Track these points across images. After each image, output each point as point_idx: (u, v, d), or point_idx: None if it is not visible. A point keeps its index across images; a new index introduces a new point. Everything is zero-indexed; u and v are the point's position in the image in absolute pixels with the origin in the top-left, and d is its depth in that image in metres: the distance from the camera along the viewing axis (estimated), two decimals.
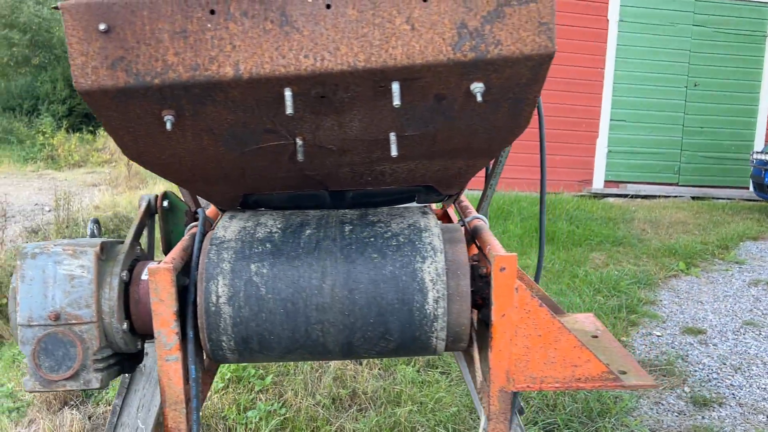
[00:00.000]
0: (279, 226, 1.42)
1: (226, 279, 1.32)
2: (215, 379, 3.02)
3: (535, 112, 2.21)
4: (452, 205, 1.64)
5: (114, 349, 1.39)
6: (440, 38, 1.02)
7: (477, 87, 1.07)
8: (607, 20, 8.89)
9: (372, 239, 1.37)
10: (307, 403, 2.88)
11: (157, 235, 1.71)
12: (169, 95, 1.04)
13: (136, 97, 1.03)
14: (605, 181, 9.18)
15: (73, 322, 1.32)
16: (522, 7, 1.01)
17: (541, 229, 2.04)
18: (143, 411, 2.19)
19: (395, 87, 1.05)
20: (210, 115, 1.10)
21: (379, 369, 3.27)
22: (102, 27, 0.98)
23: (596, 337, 1.64)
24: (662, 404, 3.06)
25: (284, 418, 2.73)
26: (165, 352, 1.33)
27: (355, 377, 3.17)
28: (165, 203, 1.63)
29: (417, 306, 1.30)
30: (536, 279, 2.06)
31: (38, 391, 1.36)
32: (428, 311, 1.31)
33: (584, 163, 9.07)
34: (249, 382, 3.04)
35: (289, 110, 1.04)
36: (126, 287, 1.39)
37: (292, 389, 2.99)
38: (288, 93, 1.04)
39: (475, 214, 1.62)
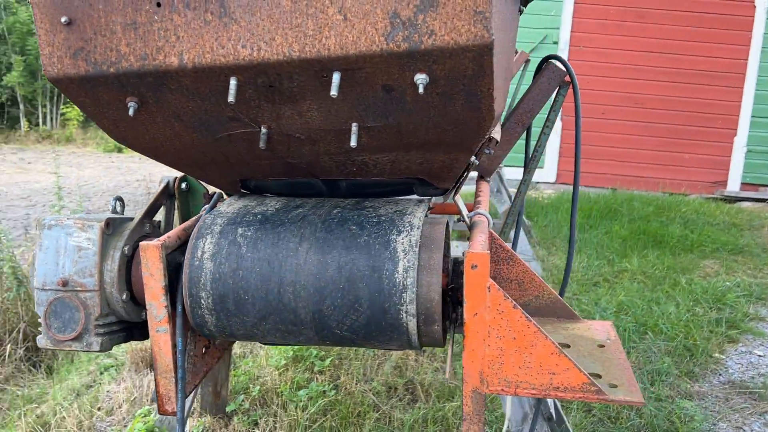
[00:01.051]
0: (278, 206, 1.47)
1: (214, 238, 1.39)
2: (277, 356, 3.16)
3: (572, 102, 2.10)
4: (455, 200, 1.60)
5: (117, 317, 1.51)
6: (373, 28, 1.01)
7: (420, 78, 1.05)
8: (754, 6, 8.11)
9: (355, 217, 1.39)
10: (360, 389, 2.93)
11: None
12: (126, 83, 1.11)
13: (98, 84, 1.12)
14: (742, 184, 8.42)
15: (79, 289, 1.45)
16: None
17: (571, 236, 1.95)
18: None
19: (335, 77, 1.05)
20: (172, 103, 1.16)
21: (440, 362, 3.26)
22: (64, 20, 1.07)
23: (603, 346, 1.54)
24: (744, 429, 2.80)
25: (332, 401, 2.80)
26: (155, 324, 1.42)
27: (415, 368, 3.18)
28: (183, 185, 1.74)
29: (387, 274, 1.30)
30: (562, 289, 1.96)
31: (49, 348, 1.51)
32: (397, 280, 1.29)
33: (718, 163, 8.37)
34: (310, 362, 3.15)
35: (230, 98, 1.07)
36: (129, 261, 1.50)
37: (349, 373, 3.06)
38: (233, 82, 1.08)
39: (479, 209, 1.57)
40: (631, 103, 7.96)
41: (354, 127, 1.20)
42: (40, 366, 4.16)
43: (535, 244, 5.26)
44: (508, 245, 2.02)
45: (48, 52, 1.09)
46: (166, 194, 1.71)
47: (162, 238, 1.41)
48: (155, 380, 1.47)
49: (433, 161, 1.38)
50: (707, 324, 3.73)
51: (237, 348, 3.41)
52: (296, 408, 2.76)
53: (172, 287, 1.43)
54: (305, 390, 2.85)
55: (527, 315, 1.29)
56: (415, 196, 1.60)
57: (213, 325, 1.40)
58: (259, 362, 3.20)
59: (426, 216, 1.48)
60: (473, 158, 1.46)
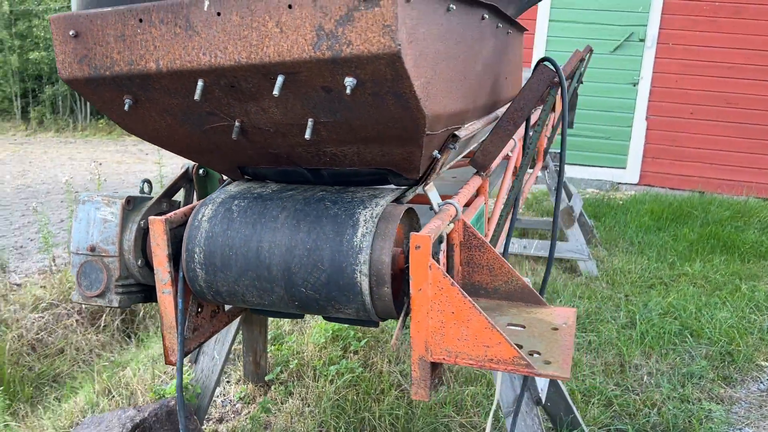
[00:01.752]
0: (274, 188, 1.70)
1: (214, 206, 1.63)
2: (317, 335, 3.41)
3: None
4: (425, 190, 1.75)
5: (135, 280, 1.79)
6: (303, 39, 1.20)
7: (348, 81, 1.23)
8: None
9: (333, 197, 1.60)
10: (389, 369, 3.13)
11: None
12: (120, 83, 1.37)
13: (99, 84, 1.38)
14: None
15: (103, 254, 1.74)
16: (368, 12, 1.15)
17: (553, 232, 2.05)
18: (218, 344, 2.63)
19: (279, 79, 1.26)
20: (159, 100, 1.41)
21: None
22: (72, 32, 1.34)
23: (556, 329, 1.65)
24: None
25: (359, 377, 3.01)
26: (161, 286, 1.69)
27: None
28: (201, 171, 2.00)
29: (347, 238, 1.48)
30: (541, 290, 2.07)
31: (80, 303, 1.81)
32: (355, 243, 1.48)
33: None
34: (348, 342, 3.38)
35: (196, 96, 1.31)
36: (144, 233, 1.77)
37: (382, 354, 3.26)
38: (200, 83, 1.31)
39: (451, 200, 1.72)
40: (722, 102, 7.62)
41: (310, 122, 1.40)
42: (132, 337, 4.63)
43: (597, 243, 5.24)
44: (506, 239, 2.15)
45: (61, 59, 1.37)
46: (186, 178, 1.97)
47: (169, 214, 1.67)
48: (162, 335, 1.73)
49: (392, 154, 1.55)
50: (758, 331, 3.63)
51: (286, 325, 3.70)
52: (325, 381, 3.00)
53: (177, 257, 1.68)
54: (336, 366, 3.08)
55: (464, 292, 1.44)
56: (392, 186, 1.78)
57: (203, 280, 1.63)
58: (301, 340, 3.46)
59: (397, 201, 1.65)
60: (436, 153, 1.62)
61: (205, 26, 1.25)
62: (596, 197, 7.00)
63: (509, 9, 2.10)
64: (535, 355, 1.52)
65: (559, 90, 2.02)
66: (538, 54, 7.90)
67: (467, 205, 2.00)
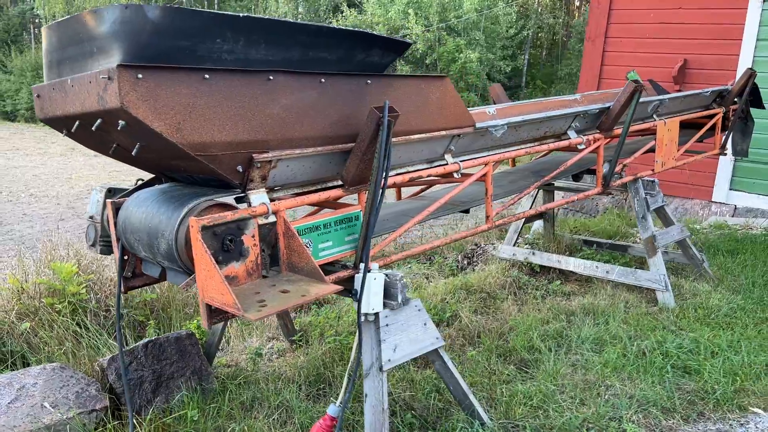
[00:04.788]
0: (168, 186, 2.66)
1: (135, 195, 2.63)
2: (338, 310, 4.22)
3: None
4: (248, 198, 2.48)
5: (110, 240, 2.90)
6: (94, 99, 2.15)
7: (120, 123, 2.14)
8: None
9: (183, 193, 2.48)
10: None
11: None
12: (61, 122, 2.46)
13: (51, 122, 2.50)
14: None
15: (95, 222, 2.88)
16: (110, 84, 2.05)
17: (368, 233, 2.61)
18: None
19: (98, 121, 2.22)
20: (80, 131, 2.47)
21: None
22: (36, 94, 2.48)
23: (287, 291, 2.30)
24: None
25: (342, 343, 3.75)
26: (114, 243, 2.76)
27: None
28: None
29: (174, 217, 2.32)
30: (355, 263, 2.62)
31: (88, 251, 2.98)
32: (174, 220, 2.31)
33: None
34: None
35: (65, 133, 2.34)
36: (117, 209, 2.87)
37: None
38: (76, 122, 2.34)
39: (271, 203, 2.47)
40: None
41: (137, 146, 2.32)
42: None
43: (711, 280, 4.97)
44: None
45: (35, 106, 2.52)
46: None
47: (119, 198, 2.74)
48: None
49: (201, 170, 2.39)
50: None
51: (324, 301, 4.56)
52: (329, 341, 3.82)
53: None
54: (332, 336, 3.87)
55: (213, 259, 2.22)
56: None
57: (124, 238, 2.64)
58: (328, 314, 4.32)
59: (215, 198, 2.45)
60: (240, 168, 2.40)
61: (68, 92, 2.28)
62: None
63: (350, 66, 2.68)
64: (258, 305, 2.22)
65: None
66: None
67: (339, 208, 2.69)
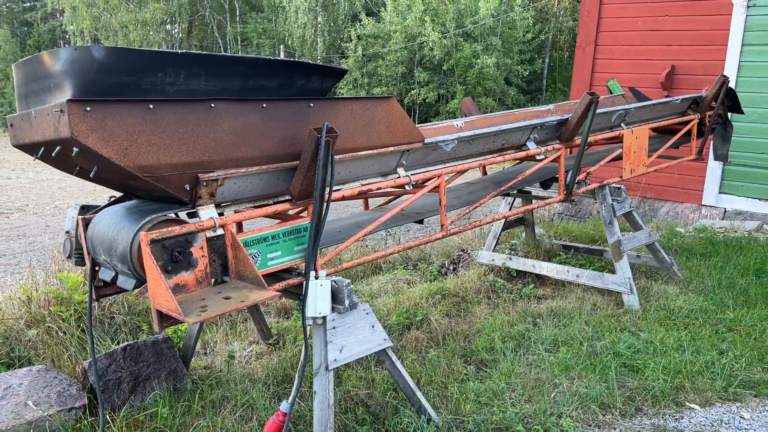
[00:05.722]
0: (133, 203, 2.94)
1: (103, 211, 2.92)
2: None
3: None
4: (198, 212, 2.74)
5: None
6: (51, 130, 2.43)
7: (75, 150, 2.42)
8: None
9: (142, 209, 2.76)
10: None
11: None
12: (33, 146, 2.75)
13: (23, 148, 2.79)
14: None
15: (70, 236, 3.17)
16: (63, 116, 2.33)
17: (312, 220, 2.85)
18: None
19: (57, 147, 2.51)
20: (47, 158, 2.76)
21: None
22: (9, 123, 2.78)
23: (228, 298, 2.55)
24: None
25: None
26: (85, 254, 3.05)
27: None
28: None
29: (132, 229, 2.61)
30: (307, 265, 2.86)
31: (67, 261, 3.27)
32: (132, 232, 2.59)
33: None
34: None
35: (34, 157, 2.63)
36: (87, 224, 3.15)
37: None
38: (42, 149, 2.63)
39: (218, 217, 2.73)
40: None
41: (95, 169, 2.60)
42: None
43: (680, 282, 5.12)
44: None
45: (9, 134, 2.82)
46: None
47: (89, 215, 3.03)
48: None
49: (152, 189, 2.66)
50: (720, 377, 3.53)
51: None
52: (299, 344, 4.06)
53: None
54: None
55: (159, 270, 2.48)
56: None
57: (92, 249, 2.93)
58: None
59: (168, 214, 2.72)
60: (187, 187, 2.67)
61: (32, 123, 2.57)
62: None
63: (290, 92, 2.94)
64: (199, 310, 2.47)
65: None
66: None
67: (291, 218, 2.95)
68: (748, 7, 7.20)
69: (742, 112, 6.29)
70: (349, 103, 3.13)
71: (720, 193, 7.61)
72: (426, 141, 3.54)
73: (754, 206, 7.33)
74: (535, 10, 30.81)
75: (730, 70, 7.34)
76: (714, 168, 7.60)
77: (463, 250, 6.52)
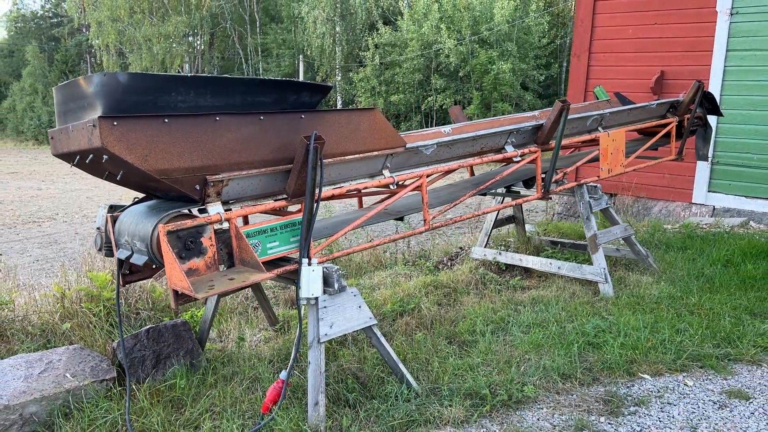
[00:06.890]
0: (153, 203, 3.47)
1: (127, 209, 3.46)
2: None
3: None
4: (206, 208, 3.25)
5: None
6: (86, 141, 2.97)
7: (104, 157, 2.96)
8: None
9: (162, 206, 3.29)
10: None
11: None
12: (72, 155, 3.30)
13: (63, 157, 3.34)
14: None
15: (101, 231, 3.71)
16: (95, 129, 2.86)
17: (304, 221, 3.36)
18: (211, 298, 4.44)
19: (90, 156, 3.05)
20: (82, 165, 3.30)
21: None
22: (50, 134, 3.34)
23: (232, 279, 3.06)
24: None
25: None
26: (113, 247, 3.59)
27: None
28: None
29: (152, 222, 3.13)
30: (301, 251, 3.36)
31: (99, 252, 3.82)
32: (152, 225, 3.12)
33: None
34: None
35: (71, 164, 3.17)
36: (115, 220, 3.69)
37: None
38: (77, 157, 3.17)
39: (225, 212, 3.25)
40: None
41: (121, 173, 3.14)
42: None
43: (655, 272, 5.53)
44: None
45: (50, 145, 3.37)
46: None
47: (116, 213, 3.57)
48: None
49: (168, 189, 3.18)
50: (675, 351, 3.95)
51: None
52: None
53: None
54: None
55: (173, 254, 3.00)
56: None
57: (118, 238, 3.47)
58: None
59: (182, 210, 3.24)
60: (197, 187, 3.19)
61: (70, 135, 3.12)
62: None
63: (284, 105, 3.45)
64: (207, 288, 2.99)
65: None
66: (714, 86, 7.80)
67: (285, 213, 3.46)
68: (732, 14, 7.59)
69: (722, 114, 6.68)
70: (336, 114, 3.64)
71: (709, 191, 7.99)
72: (408, 146, 4.03)
73: (741, 203, 7.69)
74: (550, 15, 31.15)
75: (716, 75, 7.73)
76: (703, 168, 7.98)
77: (461, 248, 6.99)
